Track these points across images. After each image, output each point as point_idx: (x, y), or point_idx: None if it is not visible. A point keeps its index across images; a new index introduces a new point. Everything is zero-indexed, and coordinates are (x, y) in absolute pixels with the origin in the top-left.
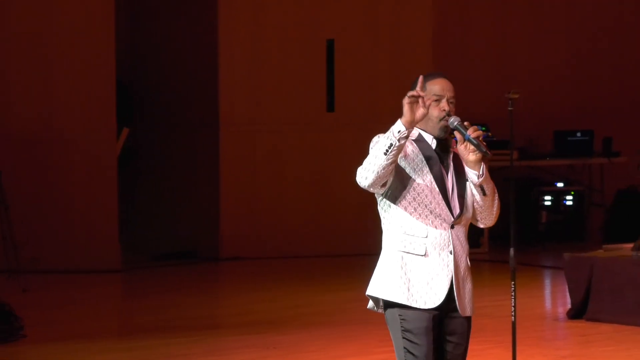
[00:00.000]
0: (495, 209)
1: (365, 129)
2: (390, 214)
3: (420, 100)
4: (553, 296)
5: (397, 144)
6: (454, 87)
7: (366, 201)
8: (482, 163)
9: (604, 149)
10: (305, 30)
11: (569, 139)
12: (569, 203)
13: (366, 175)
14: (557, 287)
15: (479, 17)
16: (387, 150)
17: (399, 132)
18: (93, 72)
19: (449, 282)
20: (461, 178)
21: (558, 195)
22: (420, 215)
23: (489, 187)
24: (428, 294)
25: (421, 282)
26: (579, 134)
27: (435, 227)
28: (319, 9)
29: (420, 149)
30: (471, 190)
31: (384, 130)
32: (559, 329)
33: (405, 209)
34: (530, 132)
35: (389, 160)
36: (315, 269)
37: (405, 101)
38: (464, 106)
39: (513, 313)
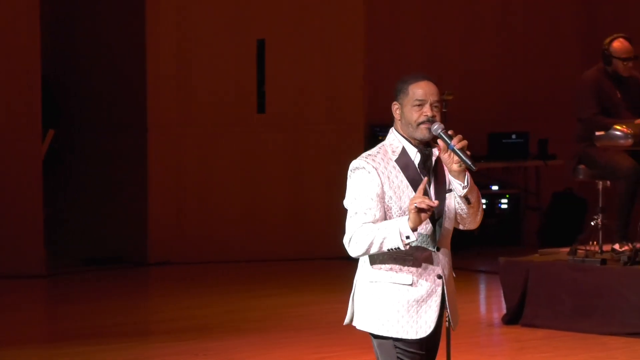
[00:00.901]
0: (479, 214)
1: (296, 131)
2: None
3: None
4: (488, 301)
5: (404, 249)
6: (438, 90)
7: (297, 205)
8: (467, 172)
9: (540, 151)
10: (235, 29)
11: (503, 141)
12: (504, 206)
13: (357, 252)
14: (492, 292)
15: (411, 18)
16: (390, 249)
17: (407, 237)
18: (18, 73)
19: (438, 308)
20: (441, 191)
21: (493, 199)
22: None
23: (474, 196)
24: (419, 323)
25: (410, 313)
26: (514, 136)
27: (421, 253)
28: (249, 8)
29: (404, 170)
30: (453, 200)
31: (316, 132)
32: (494, 335)
33: None
34: (464, 135)
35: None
36: (247, 274)
37: (413, 208)
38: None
39: (448, 319)
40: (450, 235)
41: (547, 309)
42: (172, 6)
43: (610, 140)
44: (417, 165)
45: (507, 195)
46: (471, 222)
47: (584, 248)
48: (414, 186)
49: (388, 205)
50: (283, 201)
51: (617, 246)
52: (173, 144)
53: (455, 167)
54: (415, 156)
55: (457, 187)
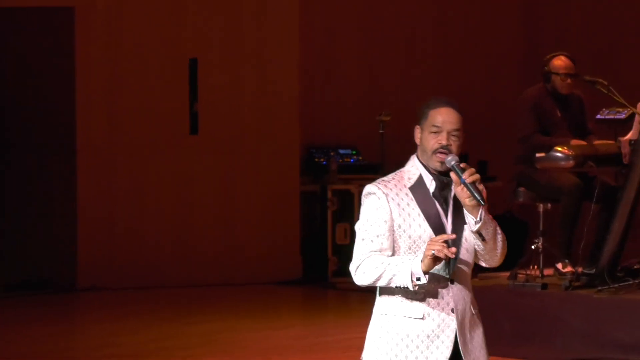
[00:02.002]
0: (499, 250)
1: (230, 152)
2: None
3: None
4: None
5: (412, 289)
6: (460, 119)
7: (230, 229)
8: (481, 208)
9: (479, 173)
10: (166, 48)
11: None
12: None
13: (364, 282)
14: None
15: (348, 38)
16: (398, 286)
17: (418, 279)
18: None
19: (451, 344)
20: (459, 222)
21: None
22: None
23: (489, 232)
24: (429, 359)
25: (421, 348)
26: None
27: (433, 286)
28: (180, 26)
29: (417, 198)
30: (470, 233)
31: (251, 154)
32: None
33: None
34: (402, 156)
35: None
36: (178, 300)
37: (429, 254)
38: (335, 128)
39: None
40: (470, 269)
41: (486, 334)
42: (102, 25)
43: (551, 161)
44: (432, 194)
45: None
46: (491, 259)
47: (524, 272)
48: (426, 216)
49: (397, 234)
50: (216, 225)
51: (559, 265)
52: (103, 165)
53: (467, 201)
54: (430, 184)
55: (470, 222)
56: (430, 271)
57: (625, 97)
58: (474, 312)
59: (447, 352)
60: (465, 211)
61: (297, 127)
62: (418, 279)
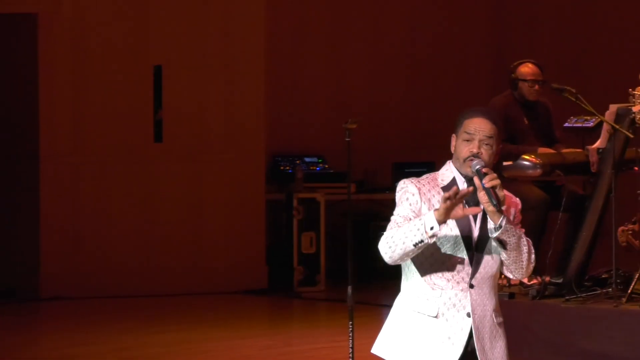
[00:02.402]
0: (524, 261)
1: (195, 160)
2: (408, 268)
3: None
4: None
5: (428, 241)
6: (494, 128)
7: (196, 237)
8: (504, 214)
9: None
10: (131, 56)
11: (406, 170)
12: None
13: (391, 254)
14: None
15: (316, 45)
16: (416, 244)
17: (431, 229)
18: None
19: (462, 348)
20: (487, 230)
21: None
22: (436, 272)
23: (512, 241)
24: (437, 358)
25: (431, 346)
26: (418, 167)
27: (451, 287)
28: (145, 34)
29: None
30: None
31: (216, 162)
32: None
33: (422, 264)
34: (369, 165)
35: (419, 251)
36: (144, 309)
37: (443, 202)
38: (301, 136)
39: (351, 355)
40: (494, 278)
41: None
42: (65, 32)
43: (518, 170)
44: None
45: None
46: (516, 270)
47: None
48: (457, 220)
49: None
50: (181, 233)
51: (525, 279)
52: (66, 174)
53: (487, 206)
54: (463, 186)
55: (490, 228)
56: (446, 251)
57: (593, 105)
58: (496, 321)
59: (456, 355)
60: (488, 217)
61: (263, 135)
62: (432, 229)
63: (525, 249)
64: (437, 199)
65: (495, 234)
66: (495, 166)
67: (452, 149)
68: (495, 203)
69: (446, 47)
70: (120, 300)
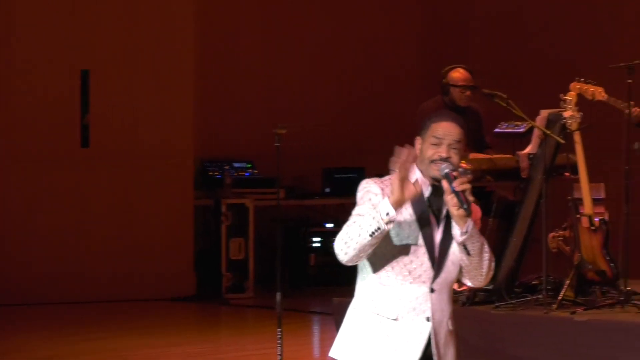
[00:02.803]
0: (485, 269)
1: (123, 165)
2: (366, 269)
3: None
4: (322, 343)
5: (385, 228)
6: (461, 133)
7: (126, 243)
8: (469, 220)
9: None
10: (57, 60)
11: (335, 176)
12: None
13: (346, 250)
14: (326, 333)
15: (245, 53)
16: (373, 233)
17: (387, 214)
18: None
19: (421, 352)
20: (449, 235)
21: (328, 237)
22: (397, 275)
23: (475, 247)
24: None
25: (389, 348)
26: (348, 172)
27: (412, 290)
28: (72, 37)
29: (412, 202)
30: (457, 248)
31: (144, 167)
32: None
33: (381, 266)
34: (299, 170)
35: (375, 241)
36: (73, 316)
37: (395, 177)
38: (229, 142)
39: None
40: (452, 283)
41: None
42: None
43: None
44: (426, 199)
45: None
46: (475, 278)
47: None
48: (419, 220)
49: (387, 234)
50: (109, 239)
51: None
52: None
53: (454, 210)
54: (426, 189)
55: (456, 233)
56: (398, 241)
57: (524, 110)
58: (450, 328)
59: (415, 358)
60: (453, 222)
61: (191, 140)
62: (387, 214)
63: (486, 255)
64: None
65: (461, 239)
66: None
67: (417, 151)
68: (465, 207)
69: (377, 52)
70: (47, 307)
